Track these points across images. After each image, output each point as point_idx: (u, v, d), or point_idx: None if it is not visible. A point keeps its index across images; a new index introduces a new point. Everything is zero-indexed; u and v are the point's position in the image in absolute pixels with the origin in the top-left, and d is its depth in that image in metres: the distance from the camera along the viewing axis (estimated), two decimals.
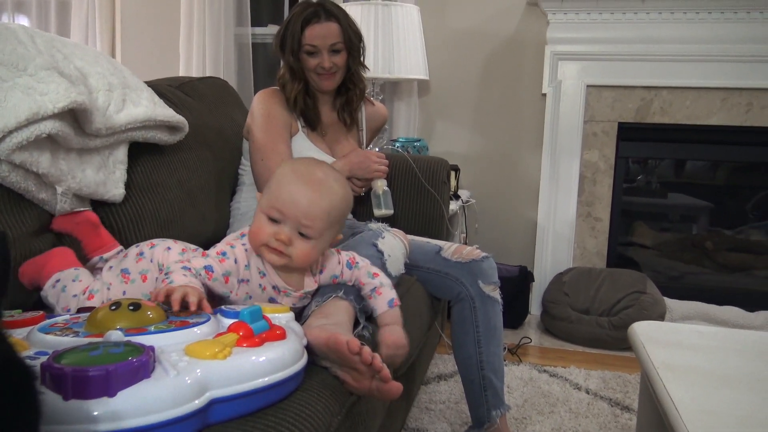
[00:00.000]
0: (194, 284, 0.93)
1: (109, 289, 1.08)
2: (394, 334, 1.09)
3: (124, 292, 1.08)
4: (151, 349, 0.67)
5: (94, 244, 1.20)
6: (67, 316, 0.85)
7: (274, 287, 1.06)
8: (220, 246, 1.07)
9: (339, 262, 1.15)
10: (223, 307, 0.86)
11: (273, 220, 1.02)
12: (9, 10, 3.22)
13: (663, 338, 1.24)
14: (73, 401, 0.59)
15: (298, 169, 1.06)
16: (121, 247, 1.22)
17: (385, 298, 1.14)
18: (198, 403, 0.66)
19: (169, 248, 1.13)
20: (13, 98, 1.04)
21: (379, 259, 1.31)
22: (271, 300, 1.08)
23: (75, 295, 1.07)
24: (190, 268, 0.97)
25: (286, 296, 1.08)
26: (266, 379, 0.73)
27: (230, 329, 0.76)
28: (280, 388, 0.75)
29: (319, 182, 1.04)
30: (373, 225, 1.42)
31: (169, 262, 1.07)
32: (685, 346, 1.21)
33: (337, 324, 1.04)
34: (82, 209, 1.22)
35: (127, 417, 0.60)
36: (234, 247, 1.06)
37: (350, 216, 1.85)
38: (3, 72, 1.06)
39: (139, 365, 0.63)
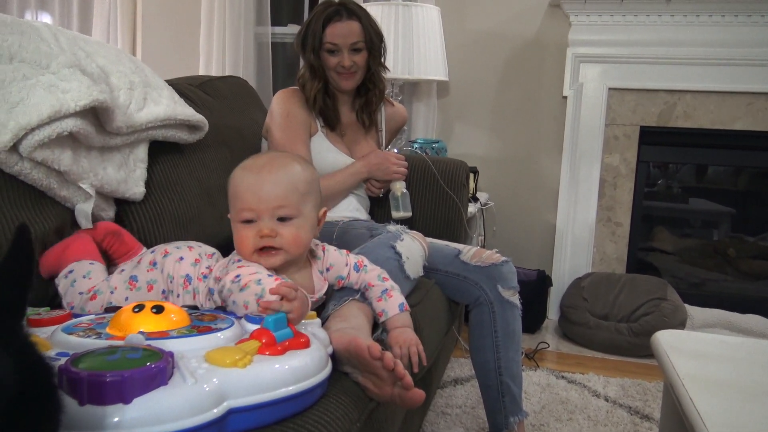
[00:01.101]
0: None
1: (112, 293, 1.05)
2: (404, 334, 1.08)
3: (126, 298, 1.05)
4: (170, 355, 0.66)
5: (120, 252, 1.18)
6: (92, 316, 0.84)
7: None
8: (233, 256, 1.07)
9: (347, 264, 1.13)
10: (248, 315, 0.84)
11: (247, 223, 1.01)
12: (32, 7, 3.25)
13: (687, 348, 1.21)
14: (89, 407, 0.58)
15: (244, 165, 1.07)
16: (144, 249, 1.19)
17: (396, 302, 1.12)
18: (216, 412, 0.65)
19: (181, 258, 1.09)
20: (35, 96, 1.04)
21: (396, 261, 1.30)
22: None
23: (81, 293, 1.05)
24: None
25: None
26: (287, 389, 0.71)
27: (253, 336, 0.74)
28: (301, 399, 0.73)
29: (268, 164, 1.04)
30: (392, 227, 1.41)
31: (178, 274, 1.06)
32: (710, 356, 1.18)
33: (356, 328, 1.03)
34: (91, 225, 1.18)
35: (142, 425, 0.59)
36: (241, 261, 1.04)
37: (369, 218, 1.84)
38: (26, 69, 1.07)
39: (156, 372, 0.62)
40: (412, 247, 1.36)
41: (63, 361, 0.63)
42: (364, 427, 0.83)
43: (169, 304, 0.81)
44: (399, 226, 1.42)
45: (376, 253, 1.28)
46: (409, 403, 0.89)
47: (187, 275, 1.06)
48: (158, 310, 0.77)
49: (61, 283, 1.08)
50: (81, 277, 1.07)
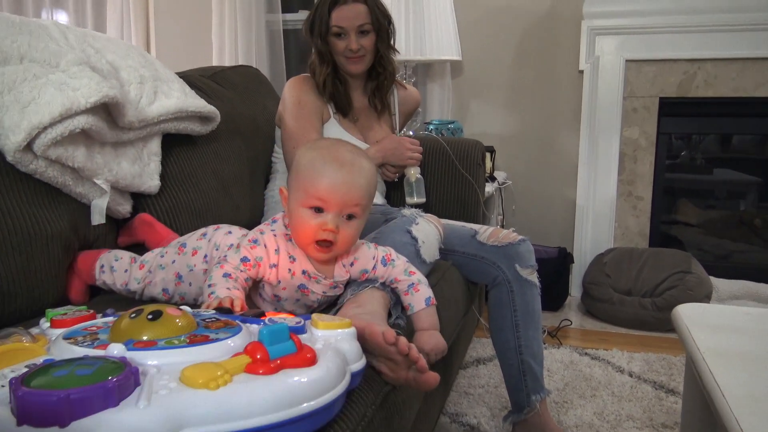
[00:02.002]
0: (235, 295, 0.93)
1: (162, 256, 1.15)
2: (433, 338, 1.08)
3: (173, 261, 1.14)
4: (133, 370, 0.58)
5: (154, 241, 1.27)
6: (108, 319, 0.78)
7: (303, 272, 1.06)
8: (252, 233, 1.08)
9: (374, 258, 1.12)
10: (270, 317, 0.77)
11: (316, 211, 1.01)
12: (48, 6, 3.28)
13: (709, 321, 1.19)
14: (25, 427, 0.52)
15: (325, 154, 1.03)
16: (179, 237, 1.26)
17: (422, 296, 1.12)
18: None
19: (230, 232, 1.16)
20: (46, 94, 1.05)
21: (413, 245, 1.29)
22: (301, 287, 1.07)
23: (126, 270, 1.16)
24: (230, 274, 0.98)
25: (317, 282, 1.08)
26: (264, 417, 0.59)
27: (246, 350, 0.64)
28: (288, 428, 0.60)
29: (351, 161, 1.02)
30: (407, 211, 1.40)
31: (225, 243, 1.12)
32: (731, 329, 1.16)
33: (371, 313, 1.03)
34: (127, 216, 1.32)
35: None
36: (264, 233, 1.06)
37: (384, 201, 1.84)
38: (37, 69, 1.08)
39: (102, 392, 0.54)
40: (428, 231, 1.35)
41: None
42: (379, 410, 0.83)
43: (171, 308, 0.72)
44: (414, 209, 1.42)
45: (392, 238, 1.28)
46: (424, 387, 0.89)
47: (232, 244, 1.10)
48: (155, 316, 0.69)
49: (102, 278, 1.18)
50: (114, 261, 1.17)
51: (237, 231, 1.17)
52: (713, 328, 1.16)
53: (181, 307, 0.75)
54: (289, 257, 1.05)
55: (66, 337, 0.69)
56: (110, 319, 0.76)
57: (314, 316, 0.77)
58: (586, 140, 2.71)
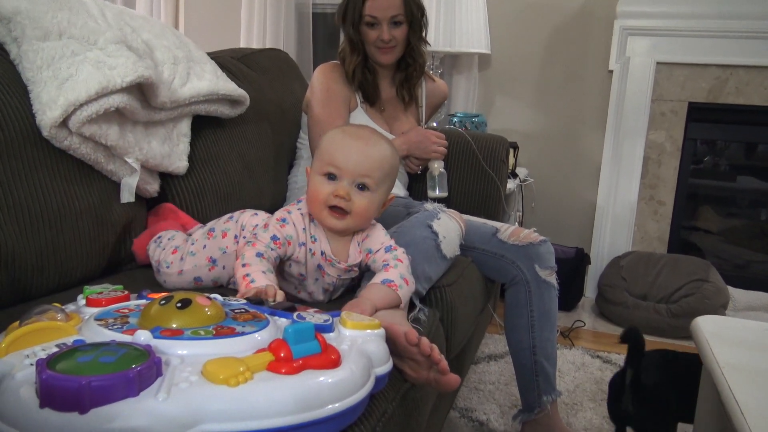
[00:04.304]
0: (273, 281, 0.95)
1: (193, 244, 1.18)
2: (360, 304, 0.99)
3: (204, 246, 1.16)
4: (156, 360, 0.58)
5: (176, 227, 1.29)
6: (140, 302, 0.78)
7: (322, 253, 1.08)
8: (279, 213, 1.10)
9: (382, 243, 1.13)
10: (299, 312, 0.76)
11: (329, 178, 1.04)
12: None
13: (729, 335, 1.19)
14: (46, 410, 0.53)
15: (346, 130, 1.11)
16: (200, 225, 1.29)
17: (386, 276, 1.06)
18: None
19: (256, 214, 1.18)
20: (83, 72, 1.06)
21: (434, 240, 1.30)
22: (320, 267, 1.09)
23: (164, 249, 1.20)
24: (263, 254, 1.00)
25: (332, 266, 1.10)
26: (282, 419, 0.58)
27: (270, 347, 0.63)
28: (306, 430, 0.59)
29: (368, 137, 1.08)
30: (429, 205, 1.40)
31: (250, 224, 1.14)
32: (752, 345, 1.15)
33: (392, 312, 1.04)
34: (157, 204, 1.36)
35: None
36: (291, 213, 1.09)
37: (407, 194, 1.84)
38: (75, 46, 1.09)
39: (123, 381, 0.54)
40: (449, 226, 1.35)
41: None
42: (399, 406, 0.84)
43: (201, 297, 0.71)
44: (436, 204, 1.42)
45: (413, 233, 1.28)
46: (445, 387, 0.90)
47: (258, 224, 1.13)
48: (184, 304, 0.69)
49: (151, 248, 1.23)
50: (167, 239, 1.22)
51: (263, 214, 1.19)
52: (733, 343, 1.15)
53: (212, 295, 0.76)
54: (311, 237, 1.08)
55: (97, 318, 0.70)
56: (143, 302, 0.77)
57: (344, 314, 0.76)
58: (610, 141, 2.69)
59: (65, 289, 1.08)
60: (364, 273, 1.17)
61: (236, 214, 1.21)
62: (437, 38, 2.44)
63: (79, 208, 1.11)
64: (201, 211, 1.39)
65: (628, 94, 2.62)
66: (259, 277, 0.94)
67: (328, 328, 0.73)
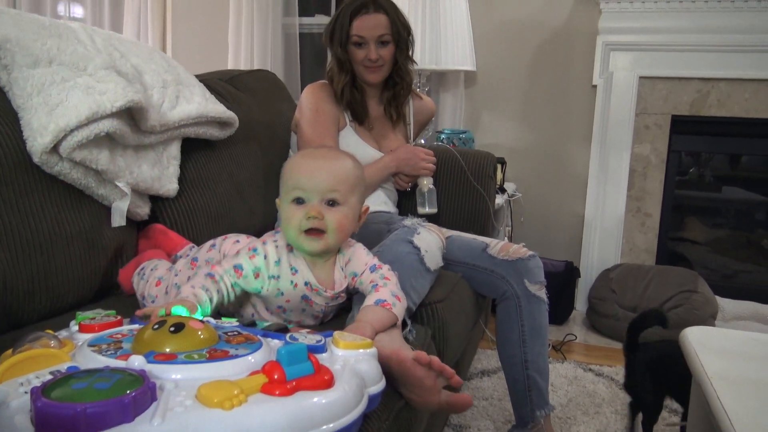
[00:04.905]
0: (191, 299, 0.94)
1: (177, 275, 1.16)
2: (359, 328, 0.99)
3: (188, 278, 1.14)
4: (150, 386, 0.58)
5: (168, 248, 1.30)
6: (133, 326, 0.78)
7: (306, 284, 1.07)
8: (254, 242, 1.10)
9: (366, 264, 1.12)
10: (291, 333, 0.76)
11: (298, 203, 1.05)
12: (65, 1, 3.31)
13: (717, 345, 1.20)
14: None
15: (304, 153, 1.14)
16: (192, 245, 1.30)
17: (378, 296, 1.06)
18: None
19: (237, 241, 1.18)
20: (74, 97, 1.07)
21: (416, 255, 1.30)
22: (305, 298, 1.08)
23: (147, 281, 1.18)
24: (214, 275, 1.00)
25: (318, 295, 1.09)
26: None
27: (264, 369, 0.64)
28: None
29: (326, 154, 1.11)
30: (408, 221, 1.40)
31: (231, 253, 1.13)
32: (740, 355, 1.17)
33: (391, 336, 1.02)
34: (147, 224, 1.36)
35: None
36: (266, 244, 1.08)
37: (396, 211, 1.85)
38: (65, 72, 1.10)
39: (118, 407, 0.54)
40: (430, 240, 1.35)
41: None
42: (393, 425, 0.84)
43: (193, 321, 0.72)
44: (415, 219, 1.42)
45: (395, 249, 1.29)
46: (458, 408, 0.89)
47: (239, 252, 1.12)
48: (177, 328, 0.69)
49: (135, 280, 1.22)
50: (149, 270, 1.21)
51: (244, 239, 1.18)
52: (721, 353, 1.17)
53: (205, 319, 0.76)
54: (291, 268, 1.07)
55: (91, 344, 0.70)
56: (135, 326, 0.77)
57: (336, 334, 0.77)
58: (596, 155, 2.72)
59: (57, 315, 1.08)
60: (353, 296, 1.17)
61: (218, 240, 1.21)
62: (423, 56, 2.47)
63: (71, 232, 1.11)
64: (192, 232, 1.40)
65: (612, 108, 2.65)
66: (184, 290, 0.95)
67: (321, 349, 0.73)
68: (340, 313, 1.19)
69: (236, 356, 0.67)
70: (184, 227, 1.39)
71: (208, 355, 0.67)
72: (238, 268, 1.03)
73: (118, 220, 1.21)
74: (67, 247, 1.10)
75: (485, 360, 2.13)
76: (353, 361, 0.72)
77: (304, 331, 0.78)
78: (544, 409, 1.48)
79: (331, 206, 1.05)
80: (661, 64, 2.60)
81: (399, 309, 1.06)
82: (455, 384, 0.87)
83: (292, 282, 1.07)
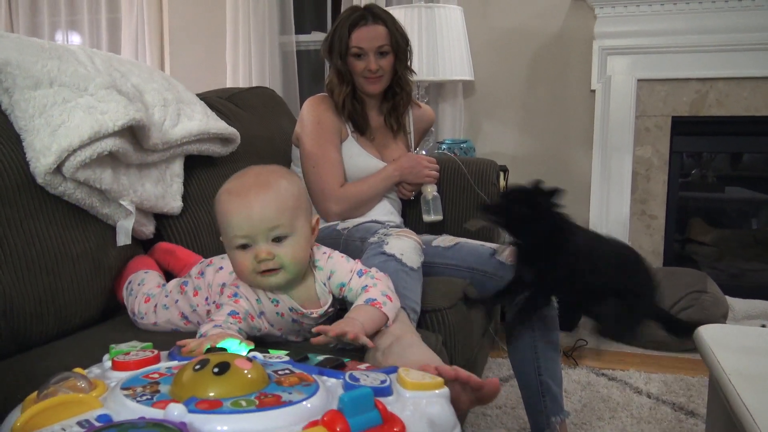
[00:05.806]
0: (219, 332, 0.91)
1: (167, 296, 1.15)
2: (345, 324, 0.97)
3: (177, 301, 1.14)
4: None
5: (177, 267, 1.27)
6: (172, 364, 0.71)
7: (291, 309, 1.05)
8: (228, 289, 1.06)
9: (351, 270, 1.09)
10: (351, 372, 0.67)
11: (244, 248, 0.99)
12: (63, 28, 3.34)
13: (732, 343, 1.19)
14: None
15: (231, 190, 1.01)
16: (203, 259, 1.24)
17: (368, 296, 1.04)
18: None
19: (221, 268, 1.14)
20: (75, 118, 1.07)
21: (393, 260, 1.27)
22: (295, 321, 1.06)
23: (135, 297, 1.17)
24: (221, 326, 0.96)
25: (306, 317, 1.07)
26: None
27: (323, 421, 0.54)
28: None
29: (254, 185, 0.99)
30: (374, 238, 1.38)
31: (216, 282, 1.11)
32: (756, 351, 1.15)
33: (410, 344, 1.01)
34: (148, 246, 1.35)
35: None
36: (239, 287, 1.04)
37: (401, 221, 1.84)
38: (66, 93, 1.10)
39: None
40: (401, 244, 1.32)
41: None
42: None
43: (240, 359, 0.64)
44: (381, 231, 1.38)
45: (371, 263, 1.24)
46: (489, 398, 0.89)
47: (223, 284, 1.11)
48: (221, 369, 0.61)
49: (124, 294, 1.20)
50: (136, 284, 1.18)
51: (228, 266, 1.12)
52: (737, 350, 1.15)
53: (252, 355, 0.71)
54: (272, 301, 1.05)
55: (124, 387, 0.63)
56: (174, 363, 0.71)
57: (401, 371, 0.67)
58: (598, 159, 2.71)
59: (64, 336, 1.07)
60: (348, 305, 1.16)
61: (204, 267, 1.16)
62: (421, 67, 2.48)
63: (76, 253, 1.11)
64: (198, 249, 1.39)
65: (611, 112, 2.65)
66: (211, 330, 0.92)
67: (387, 391, 0.65)
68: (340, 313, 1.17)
69: (290, 403, 0.58)
70: (189, 244, 1.38)
71: (257, 402, 0.58)
72: (233, 314, 0.99)
73: (123, 239, 1.20)
74: (73, 268, 1.09)
75: (496, 368, 2.11)
76: (424, 404, 0.62)
77: (364, 366, 0.71)
78: (559, 415, 1.46)
79: (279, 242, 0.98)
80: (658, 66, 2.60)
81: (389, 308, 1.04)
82: (475, 386, 0.86)
83: (277, 313, 1.05)
